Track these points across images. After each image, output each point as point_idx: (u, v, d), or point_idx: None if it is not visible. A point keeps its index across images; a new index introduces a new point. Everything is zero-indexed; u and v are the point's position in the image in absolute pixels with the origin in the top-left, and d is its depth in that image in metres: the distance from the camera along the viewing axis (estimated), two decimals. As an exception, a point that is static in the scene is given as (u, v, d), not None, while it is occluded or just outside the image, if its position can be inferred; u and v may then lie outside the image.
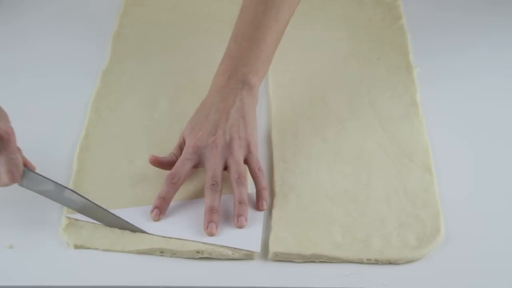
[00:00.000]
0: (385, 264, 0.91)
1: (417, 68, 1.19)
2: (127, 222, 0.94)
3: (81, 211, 0.94)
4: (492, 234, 0.94)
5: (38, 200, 0.95)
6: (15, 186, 0.93)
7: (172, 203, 0.96)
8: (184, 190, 0.97)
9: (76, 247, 0.92)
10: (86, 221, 0.94)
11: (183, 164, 0.97)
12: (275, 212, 0.96)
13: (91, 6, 1.33)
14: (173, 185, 0.95)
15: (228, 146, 0.97)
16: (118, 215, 0.94)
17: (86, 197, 0.94)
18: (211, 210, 0.93)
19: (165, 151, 1.02)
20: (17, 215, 0.95)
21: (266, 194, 0.97)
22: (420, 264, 0.91)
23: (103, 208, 0.94)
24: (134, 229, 0.93)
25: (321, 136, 1.05)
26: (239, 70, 1.03)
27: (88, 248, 0.92)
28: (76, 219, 0.94)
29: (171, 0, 1.33)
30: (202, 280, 0.89)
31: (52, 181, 0.93)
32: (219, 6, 1.32)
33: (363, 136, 1.07)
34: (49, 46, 1.23)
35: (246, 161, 0.98)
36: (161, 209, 0.94)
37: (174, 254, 0.91)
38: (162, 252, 0.92)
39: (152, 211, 0.94)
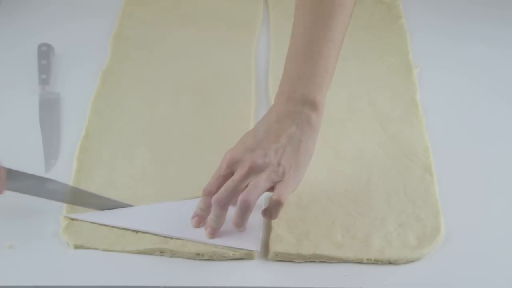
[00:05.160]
0: (385, 264, 0.91)
1: (417, 68, 1.19)
2: (115, 200, 0.95)
3: (69, 200, 0.95)
4: (492, 234, 0.94)
5: (38, 200, 0.95)
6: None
7: (172, 203, 0.96)
8: (186, 190, 0.98)
9: (76, 247, 0.92)
10: (86, 221, 0.94)
11: (217, 180, 0.92)
12: (275, 212, 0.96)
13: (91, 6, 1.33)
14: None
15: (260, 169, 0.91)
16: (118, 215, 0.94)
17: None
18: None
19: (165, 151, 1.02)
20: (17, 215, 0.95)
21: (266, 217, 0.92)
22: (420, 264, 0.91)
23: (89, 192, 0.95)
24: (122, 206, 0.95)
25: (321, 136, 1.04)
26: (298, 91, 0.95)
27: (88, 248, 0.92)
28: (76, 219, 0.94)
29: (171, 0, 1.33)
30: (202, 280, 0.89)
31: (33, 174, 0.93)
32: (219, 6, 1.32)
33: (363, 136, 1.07)
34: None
35: (272, 188, 0.91)
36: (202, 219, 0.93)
37: (174, 254, 0.91)
38: (162, 252, 0.91)
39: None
